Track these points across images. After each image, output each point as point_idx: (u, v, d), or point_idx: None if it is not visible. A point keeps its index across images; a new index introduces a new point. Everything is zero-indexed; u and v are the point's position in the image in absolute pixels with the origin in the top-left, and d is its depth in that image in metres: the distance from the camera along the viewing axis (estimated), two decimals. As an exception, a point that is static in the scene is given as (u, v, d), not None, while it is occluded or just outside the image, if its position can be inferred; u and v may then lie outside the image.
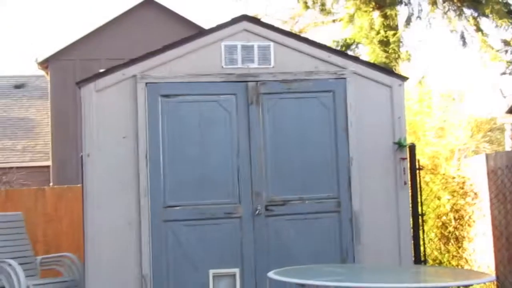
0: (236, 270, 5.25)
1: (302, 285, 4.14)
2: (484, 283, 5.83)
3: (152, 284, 5.82)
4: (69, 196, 9.46)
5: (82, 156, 5.88)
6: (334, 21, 14.71)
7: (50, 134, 17.12)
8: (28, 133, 19.58)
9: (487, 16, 13.35)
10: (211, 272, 5.03)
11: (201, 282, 5.15)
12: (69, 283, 6.79)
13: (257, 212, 5.80)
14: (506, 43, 13.33)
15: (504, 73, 13.61)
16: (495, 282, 6.50)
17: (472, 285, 5.16)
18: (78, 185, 6.10)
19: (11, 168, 17.11)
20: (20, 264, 6.32)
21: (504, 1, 13.03)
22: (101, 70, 6.19)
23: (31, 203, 9.57)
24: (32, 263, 7.01)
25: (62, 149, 15.88)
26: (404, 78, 6.35)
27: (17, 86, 20.99)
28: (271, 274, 4.43)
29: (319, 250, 5.78)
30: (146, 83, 5.89)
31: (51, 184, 15.18)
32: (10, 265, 6.20)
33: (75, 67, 14.55)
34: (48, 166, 17.21)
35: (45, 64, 17.32)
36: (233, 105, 6.01)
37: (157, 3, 18.27)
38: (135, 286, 5.83)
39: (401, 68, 11.22)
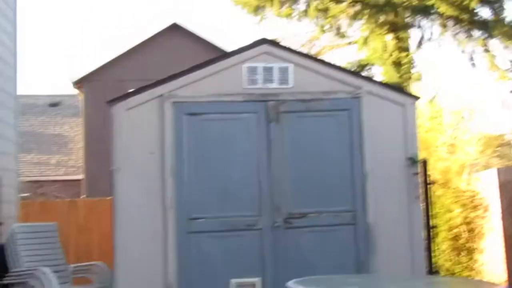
0: (257, 280, 5.26)
1: None
2: None
3: (178, 292, 5.72)
4: (100, 208, 9.59)
5: (112, 170, 5.97)
6: (349, 43, 14.80)
7: (82, 150, 17.64)
8: (62, 148, 20.09)
9: (495, 38, 13.37)
10: (233, 281, 5.05)
11: (224, 293, 4.86)
12: None
13: (276, 224, 5.85)
14: None
15: None
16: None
17: None
18: (109, 197, 6.22)
19: (45, 181, 17.62)
20: (54, 271, 6.38)
21: (511, 24, 13.03)
22: (131, 90, 6.36)
23: (64, 214, 9.78)
24: (65, 271, 7.06)
25: (94, 164, 16.26)
26: (416, 97, 6.43)
27: (52, 105, 21.55)
28: (290, 284, 4.36)
29: (336, 261, 5.80)
30: (173, 102, 5.99)
31: (83, 196, 15.54)
32: (44, 273, 6.25)
33: (106, 87, 14.87)
34: (80, 180, 17.59)
35: (79, 84, 18.15)
36: (254, 123, 6.07)
37: (182, 27, 18.89)
38: (156, 291, 5.71)
39: (413, 87, 11.34)
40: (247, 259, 5.85)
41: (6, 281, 6.62)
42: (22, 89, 9.64)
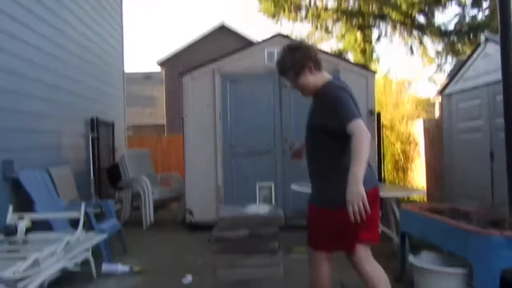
0: (272, 183, 4.88)
1: None
2: (419, 194, 6.19)
3: (223, 190, 6.23)
4: (176, 141, 10.04)
5: (183, 117, 6.46)
6: (332, 37, 15.83)
7: (164, 105, 18.86)
8: (153, 104, 21.42)
9: (427, 35, 14.25)
10: (258, 184, 4.66)
11: (251, 191, 4.66)
12: (176, 190, 7.33)
13: (285, 150, 6.05)
14: (438, 52, 14.67)
15: (436, 71, 14.84)
16: (426, 195, 6.79)
17: (412, 195, 5.81)
18: (181, 134, 6.48)
19: (142, 125, 18.86)
20: (148, 178, 6.84)
21: (438, 26, 14.19)
22: (194, 66, 6.68)
23: (154, 145, 10.39)
24: (155, 179, 7.53)
25: (172, 114, 17.71)
26: (374, 72, 6.64)
27: (146, 77, 23.20)
28: (293, 186, 4.74)
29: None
30: (220, 74, 6.30)
31: (165, 134, 16.62)
32: (143, 179, 6.72)
33: (179, 65, 16.13)
34: (163, 125, 18.78)
35: (162, 64, 19.98)
36: (271, 88, 6.34)
37: (227, 28, 20.74)
38: (214, 191, 6.23)
39: (373, 66, 12.21)
40: (266, 171, 6.11)
41: (120, 185, 7.13)
42: (126, 66, 10.02)
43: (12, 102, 4.78)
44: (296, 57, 2.51)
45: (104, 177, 7.47)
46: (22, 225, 3.81)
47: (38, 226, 4.12)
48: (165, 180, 7.86)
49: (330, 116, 2.41)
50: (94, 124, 7.14)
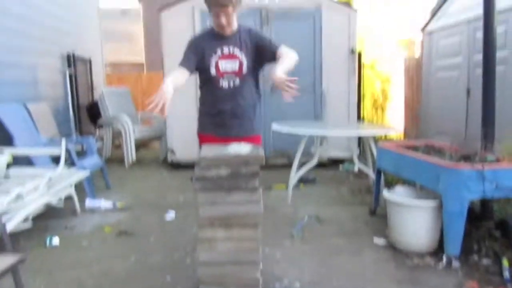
0: None
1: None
2: (396, 132, 6.24)
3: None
4: (155, 78, 9.98)
5: (162, 54, 6.25)
6: None
7: (143, 42, 18.27)
8: (131, 41, 20.70)
9: None
10: None
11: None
12: (157, 129, 7.25)
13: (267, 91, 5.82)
14: None
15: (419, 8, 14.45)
16: (403, 133, 7.07)
17: (390, 133, 5.97)
18: (161, 72, 6.29)
19: (120, 64, 18.32)
20: (129, 117, 6.81)
21: None
22: (173, 1, 6.45)
23: (133, 83, 10.17)
24: (135, 117, 7.47)
25: (151, 51, 17.18)
26: (356, 10, 6.55)
27: (123, 13, 22.22)
28: (274, 125, 4.73)
29: (303, 113, 6.09)
30: (200, 11, 6.07)
31: (144, 72, 16.19)
32: (123, 117, 6.69)
33: (157, 2, 15.42)
34: (143, 64, 18.38)
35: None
36: (252, 24, 5.82)
37: None
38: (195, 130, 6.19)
39: (356, 4, 11.77)
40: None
41: (100, 122, 7.08)
42: (101, 1, 9.55)
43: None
44: None
45: (84, 115, 7.37)
46: (3, 159, 3.79)
47: (18, 161, 4.11)
48: (146, 119, 7.81)
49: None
50: (71, 60, 6.95)
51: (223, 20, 2.47)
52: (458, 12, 5.72)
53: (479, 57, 3.80)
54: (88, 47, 8.21)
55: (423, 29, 6.59)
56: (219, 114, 2.63)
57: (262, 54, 2.57)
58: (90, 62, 8.11)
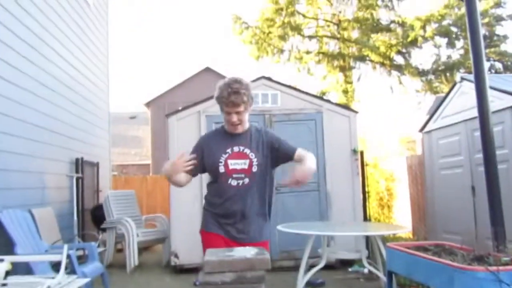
0: None
1: (297, 234, 4.41)
2: (405, 232, 6.21)
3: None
4: (161, 181, 9.97)
5: (168, 158, 6.13)
6: (315, 78, 16.32)
7: (150, 145, 18.81)
8: (138, 144, 21.33)
9: (406, 75, 14.90)
10: None
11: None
12: (161, 232, 7.17)
13: None
14: (417, 91, 15.25)
15: (416, 109, 15.27)
16: (411, 232, 6.93)
17: (397, 233, 5.80)
18: None
19: (127, 165, 18.97)
20: (133, 220, 6.74)
21: (415, 66, 14.64)
22: (180, 108, 6.72)
23: (139, 185, 10.26)
24: (140, 220, 7.39)
25: (157, 154, 17.57)
26: (356, 112, 6.73)
27: (132, 117, 23.12)
28: (279, 227, 4.62)
29: (307, 213, 6.08)
30: (206, 115, 6.30)
31: (150, 174, 16.39)
32: (127, 220, 6.63)
33: (165, 106, 16.21)
34: (149, 164, 18.64)
35: (148, 104, 19.84)
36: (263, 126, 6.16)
37: (213, 70, 20.94)
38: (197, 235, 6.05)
39: (355, 106, 12.58)
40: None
41: (104, 226, 6.95)
42: (112, 107, 9.83)
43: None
44: (251, 94, 2.58)
45: (88, 218, 7.31)
46: (2, 267, 3.67)
47: (18, 269, 3.98)
48: (150, 221, 7.73)
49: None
50: (79, 165, 7.06)
51: (235, 118, 2.50)
52: (454, 114, 5.91)
53: (479, 155, 3.85)
54: (97, 151, 8.36)
55: (421, 129, 6.77)
56: (227, 214, 2.54)
57: (278, 155, 2.59)
58: (97, 166, 8.20)
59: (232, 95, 2.47)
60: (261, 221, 2.62)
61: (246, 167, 2.52)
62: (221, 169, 2.52)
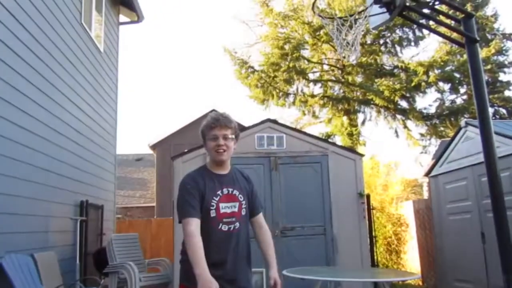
0: (263, 269, 4.78)
1: (303, 278, 4.27)
2: (414, 279, 6.06)
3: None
4: (165, 224, 9.92)
5: (173, 201, 6.25)
6: (320, 121, 16.54)
7: (155, 187, 18.79)
8: (143, 187, 21.28)
9: (410, 119, 15.01)
10: None
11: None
12: (164, 276, 6.96)
13: (275, 234, 5.87)
14: (422, 135, 15.38)
15: (422, 152, 15.60)
16: (421, 279, 6.73)
17: (406, 280, 5.65)
18: (171, 217, 6.39)
19: (132, 207, 18.69)
20: (136, 264, 6.60)
21: (420, 110, 14.77)
22: (185, 150, 6.64)
23: (143, 228, 10.15)
24: (143, 264, 7.24)
25: (162, 196, 17.46)
26: (362, 155, 6.74)
27: (137, 159, 23.31)
28: (285, 272, 4.49)
29: (313, 258, 5.96)
30: None
31: (155, 217, 16.31)
32: (130, 265, 6.46)
33: (170, 149, 16.32)
34: (153, 206, 18.56)
35: (153, 147, 20.10)
36: (261, 171, 6.35)
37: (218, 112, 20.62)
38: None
39: (360, 149, 12.66)
40: (257, 256, 5.63)
41: (106, 270, 6.77)
42: (118, 149, 9.80)
43: (2, 186, 4.69)
44: (238, 131, 2.51)
45: (90, 262, 7.16)
46: (1, 316, 3.58)
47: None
48: (153, 265, 7.52)
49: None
50: (84, 208, 7.01)
51: (222, 142, 2.33)
52: (460, 158, 5.87)
53: (488, 201, 3.79)
54: (102, 194, 8.32)
55: (427, 174, 6.72)
56: (215, 263, 2.21)
57: (250, 206, 2.46)
58: (102, 208, 8.15)
59: (221, 118, 2.40)
60: (247, 267, 2.46)
61: (236, 210, 2.35)
62: (212, 213, 2.29)
